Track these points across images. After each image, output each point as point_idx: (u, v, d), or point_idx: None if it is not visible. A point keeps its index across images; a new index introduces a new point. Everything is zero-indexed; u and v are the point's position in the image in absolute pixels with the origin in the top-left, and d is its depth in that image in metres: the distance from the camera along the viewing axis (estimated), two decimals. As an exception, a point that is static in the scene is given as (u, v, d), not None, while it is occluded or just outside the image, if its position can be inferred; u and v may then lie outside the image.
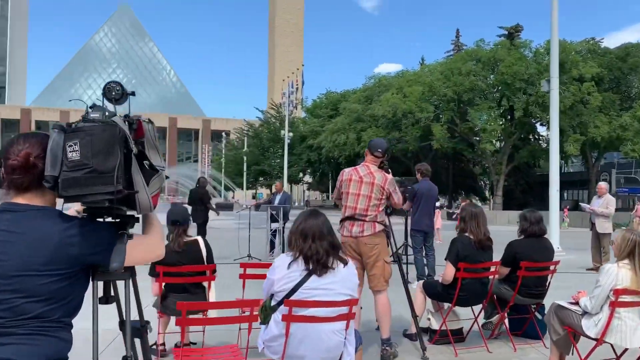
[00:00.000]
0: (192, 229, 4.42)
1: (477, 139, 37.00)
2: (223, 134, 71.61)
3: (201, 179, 13.03)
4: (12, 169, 1.62)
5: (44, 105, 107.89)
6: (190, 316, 3.96)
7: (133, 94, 1.93)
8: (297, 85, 54.14)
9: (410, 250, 8.99)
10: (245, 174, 57.58)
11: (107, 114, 1.69)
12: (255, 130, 56.87)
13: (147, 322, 2.02)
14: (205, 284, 4.32)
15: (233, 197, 57.80)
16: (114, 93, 1.84)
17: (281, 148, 46.61)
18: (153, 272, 4.19)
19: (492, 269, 5.01)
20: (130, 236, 1.72)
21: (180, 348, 3.61)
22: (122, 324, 1.97)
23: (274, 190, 13.25)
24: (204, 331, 4.43)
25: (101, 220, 1.71)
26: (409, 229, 8.73)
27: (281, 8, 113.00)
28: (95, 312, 1.75)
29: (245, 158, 56.43)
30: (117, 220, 1.74)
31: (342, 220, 4.87)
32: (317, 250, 3.17)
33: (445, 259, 4.90)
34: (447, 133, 36.36)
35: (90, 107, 1.75)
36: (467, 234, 4.93)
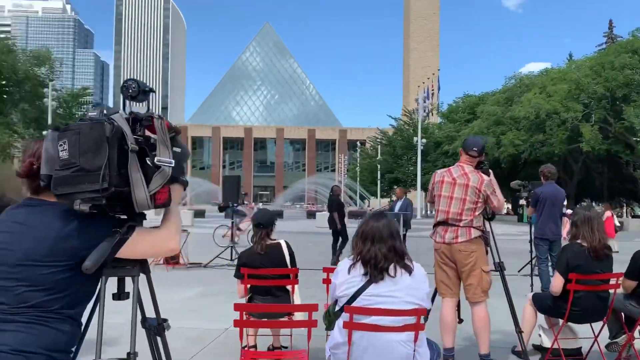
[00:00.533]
0: (275, 233, 4.42)
1: (637, 139, 33.10)
2: (358, 143, 72.49)
3: (334, 187, 13.15)
4: (21, 177, 1.75)
5: (199, 122, 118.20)
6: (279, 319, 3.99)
7: (152, 90, 1.93)
8: (432, 90, 53.11)
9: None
10: (379, 182, 57.58)
11: (105, 112, 1.70)
12: (388, 138, 56.74)
13: (165, 320, 2.02)
14: (290, 287, 4.31)
15: (368, 206, 58.16)
16: (130, 90, 1.85)
17: (415, 155, 45.88)
18: (238, 274, 4.28)
19: (613, 281, 4.34)
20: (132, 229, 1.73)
21: (246, 350, 3.61)
22: (143, 322, 1.99)
23: (395, 197, 13.02)
24: (291, 335, 4.41)
25: (105, 216, 1.72)
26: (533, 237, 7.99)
27: (416, 13, 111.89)
28: (101, 307, 1.78)
29: (379, 166, 56.48)
30: (122, 216, 1.75)
31: (434, 226, 4.57)
32: (375, 254, 2.98)
33: (554, 269, 4.37)
34: (599, 134, 33.04)
35: (92, 106, 1.79)
36: (579, 241, 4.35)
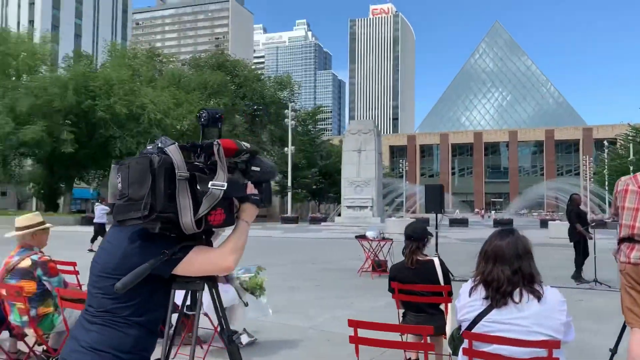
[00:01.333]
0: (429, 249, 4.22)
1: None
2: (605, 142, 64.19)
3: (574, 195, 11.99)
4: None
5: (427, 130, 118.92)
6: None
7: (221, 118, 2.09)
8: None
9: None
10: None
11: (160, 145, 1.90)
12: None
13: (234, 332, 2.13)
14: (443, 305, 4.09)
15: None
16: (202, 119, 2.06)
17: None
18: (389, 288, 4.23)
19: None
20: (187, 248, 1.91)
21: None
22: (221, 332, 2.15)
23: None
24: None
25: (164, 236, 1.92)
26: None
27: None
28: (168, 317, 1.98)
29: (631, 168, 49.04)
30: (181, 237, 1.93)
31: (618, 242, 3.86)
32: (498, 276, 2.66)
33: None
34: None
35: (150, 140, 2.02)
36: None
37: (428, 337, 3.59)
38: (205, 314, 5.09)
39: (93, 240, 16.88)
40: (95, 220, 17.75)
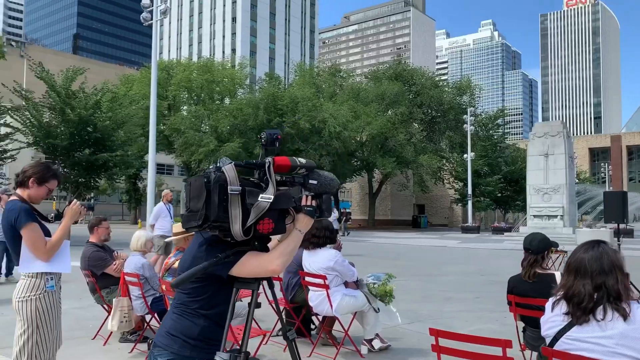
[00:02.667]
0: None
1: None
2: None
3: None
4: None
5: (636, 129, 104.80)
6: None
7: (278, 138, 2.38)
8: None
9: None
10: None
11: (219, 164, 2.24)
12: None
13: (289, 329, 2.37)
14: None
15: None
16: (262, 140, 2.39)
17: None
18: (507, 300, 4.06)
19: None
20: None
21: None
22: (284, 333, 2.39)
23: None
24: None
25: (226, 242, 2.26)
26: None
27: None
28: (230, 314, 2.28)
29: None
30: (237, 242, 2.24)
31: None
32: (579, 291, 2.48)
33: None
34: None
35: (215, 162, 2.38)
36: None
37: (507, 350, 3.41)
38: (336, 318, 5.42)
39: None
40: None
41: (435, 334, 2.96)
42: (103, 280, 5.72)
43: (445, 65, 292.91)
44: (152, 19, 23.21)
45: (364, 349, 5.45)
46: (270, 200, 2.18)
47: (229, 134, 39.60)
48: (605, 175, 79.39)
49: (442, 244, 26.06)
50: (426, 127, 50.90)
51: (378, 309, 5.50)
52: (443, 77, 75.81)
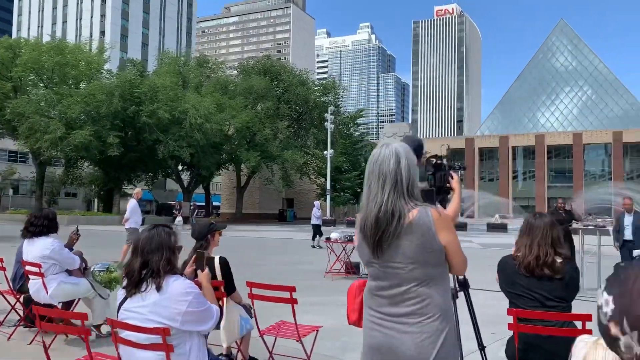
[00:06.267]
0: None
1: None
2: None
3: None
4: None
5: (487, 132, 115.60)
6: None
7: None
8: None
9: None
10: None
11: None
12: None
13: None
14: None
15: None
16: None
17: None
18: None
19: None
20: None
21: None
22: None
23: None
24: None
25: None
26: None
27: None
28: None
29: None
30: None
31: None
32: (133, 267, 2.90)
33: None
34: None
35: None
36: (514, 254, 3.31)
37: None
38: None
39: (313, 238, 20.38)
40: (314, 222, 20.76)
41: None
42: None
43: (325, 64, 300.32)
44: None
45: (93, 334, 5.65)
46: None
47: (81, 121, 37.47)
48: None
49: (289, 237, 26.90)
50: (293, 124, 52.02)
51: (108, 295, 5.73)
52: (321, 76, 77.52)
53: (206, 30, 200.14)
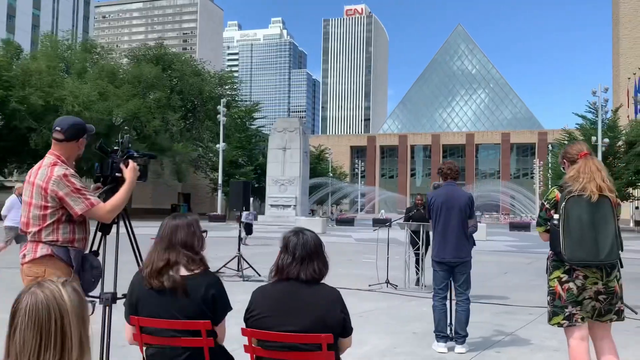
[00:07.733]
0: None
1: None
2: (549, 146, 64.98)
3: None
4: None
5: (388, 131, 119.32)
6: None
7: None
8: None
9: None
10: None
11: None
12: (575, 139, 49.53)
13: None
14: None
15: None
16: None
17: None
18: None
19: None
20: None
21: None
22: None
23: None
24: None
25: None
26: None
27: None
28: None
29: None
30: None
31: None
32: None
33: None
34: None
35: None
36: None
37: None
38: None
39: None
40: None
41: None
42: None
43: (236, 57, 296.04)
44: None
45: None
46: None
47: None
48: (358, 171, 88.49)
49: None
50: (187, 115, 50.35)
51: None
52: (232, 69, 76.15)
53: (107, 16, 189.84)
